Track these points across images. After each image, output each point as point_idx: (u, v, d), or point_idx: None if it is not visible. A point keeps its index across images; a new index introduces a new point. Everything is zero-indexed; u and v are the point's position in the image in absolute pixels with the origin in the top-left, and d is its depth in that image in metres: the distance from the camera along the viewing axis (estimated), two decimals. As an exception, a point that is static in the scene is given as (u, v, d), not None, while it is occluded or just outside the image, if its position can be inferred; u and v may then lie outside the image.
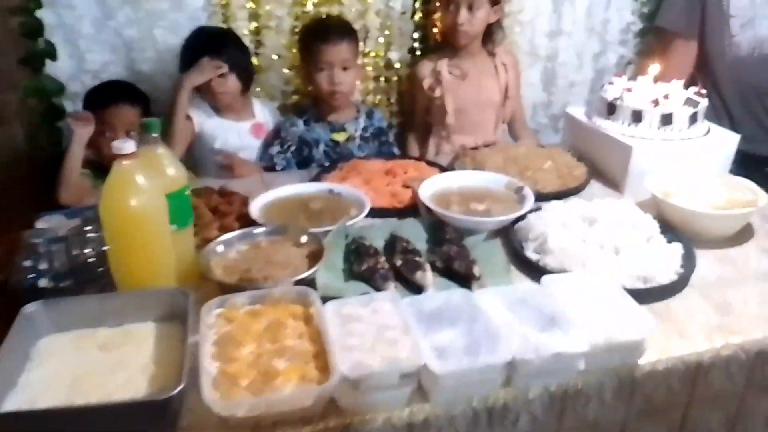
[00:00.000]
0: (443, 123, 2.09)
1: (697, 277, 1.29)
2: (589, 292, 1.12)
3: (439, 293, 1.13)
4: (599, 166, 1.76)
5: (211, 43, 1.85)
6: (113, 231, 1.04)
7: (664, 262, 1.29)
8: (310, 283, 1.14)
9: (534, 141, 2.16)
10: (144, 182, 1.03)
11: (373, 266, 1.23)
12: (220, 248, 1.25)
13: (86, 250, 1.11)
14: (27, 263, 1.09)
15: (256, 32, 2.04)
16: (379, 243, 1.34)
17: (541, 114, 2.41)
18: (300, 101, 2.14)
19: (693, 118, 1.67)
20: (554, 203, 1.45)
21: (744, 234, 1.47)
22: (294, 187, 1.55)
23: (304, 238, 1.27)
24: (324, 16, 2.03)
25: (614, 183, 1.71)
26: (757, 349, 1.14)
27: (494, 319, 1.03)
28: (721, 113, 2.14)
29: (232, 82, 1.88)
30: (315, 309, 1.04)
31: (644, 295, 1.20)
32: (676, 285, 1.25)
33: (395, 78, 2.22)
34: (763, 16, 2.05)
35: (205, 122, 1.93)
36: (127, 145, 1.00)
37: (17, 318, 0.98)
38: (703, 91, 1.73)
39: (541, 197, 1.53)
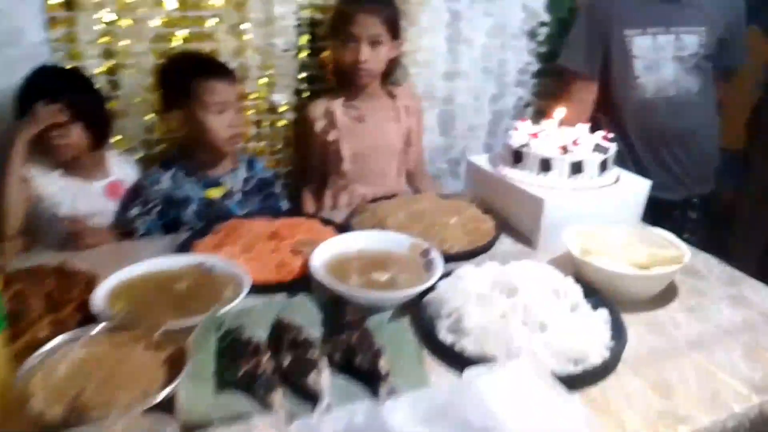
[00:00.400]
0: (339, 171, 1.88)
1: (628, 351, 1.14)
2: (518, 387, 0.92)
3: (338, 412, 0.88)
4: (508, 219, 1.61)
5: (47, 85, 1.53)
6: None
7: (593, 336, 1.12)
8: (168, 403, 0.87)
9: (434, 190, 1.99)
10: None
11: (252, 370, 0.96)
12: (44, 360, 0.93)
13: None
14: None
15: (111, 72, 1.74)
16: (261, 334, 1.07)
17: (440, 159, 2.26)
18: (165, 152, 1.84)
19: (603, 165, 1.56)
20: (466, 268, 1.26)
21: (668, 293, 1.35)
22: (153, 263, 1.25)
23: (161, 337, 0.99)
24: (194, 52, 1.76)
25: (525, 237, 1.56)
26: (710, 438, 0.99)
27: (409, 442, 0.80)
28: (627, 158, 2.08)
29: (77, 134, 1.57)
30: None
31: (577, 381, 1.03)
32: (608, 364, 1.09)
33: (281, 123, 1.98)
34: (665, 58, 2.02)
35: (47, 184, 1.60)
36: None
37: None
38: (611, 135, 1.63)
39: (449, 258, 1.35)
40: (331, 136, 1.84)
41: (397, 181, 1.97)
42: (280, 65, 1.87)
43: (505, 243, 1.55)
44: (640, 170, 1.96)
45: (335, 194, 1.92)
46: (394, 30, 1.81)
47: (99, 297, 1.11)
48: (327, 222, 1.56)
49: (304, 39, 1.93)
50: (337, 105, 1.84)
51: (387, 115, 1.92)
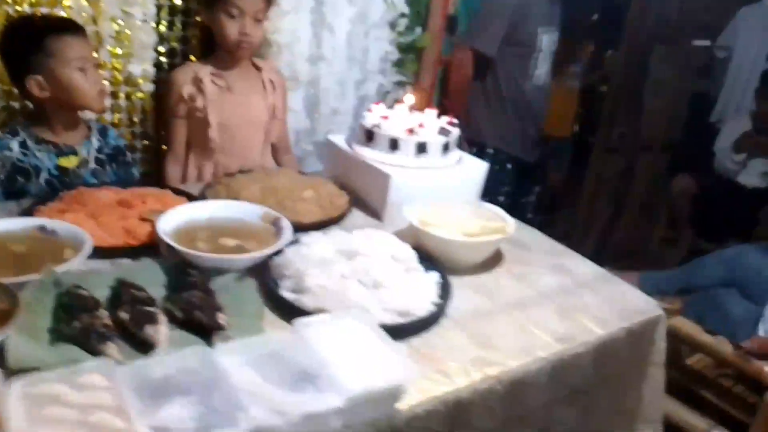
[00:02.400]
0: (204, 141, 1.87)
1: (454, 308, 1.27)
2: (346, 335, 1.01)
3: (170, 355, 0.93)
4: (360, 195, 1.70)
5: None
6: None
7: (421, 293, 1.24)
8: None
9: (296, 167, 2.05)
10: None
11: (88, 324, 0.98)
12: None
13: None
14: None
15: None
16: (103, 293, 1.10)
17: (305, 141, 2.31)
18: (11, 119, 1.76)
19: (446, 147, 1.69)
20: (313, 236, 1.34)
21: (495, 260, 1.50)
22: (-8, 225, 1.22)
23: (-9, 293, 0.98)
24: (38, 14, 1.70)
25: (375, 212, 1.66)
26: (512, 379, 1.14)
27: (236, 381, 0.86)
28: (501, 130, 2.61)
29: None
30: (-7, 391, 0.78)
31: (404, 331, 1.15)
32: (433, 317, 1.21)
33: (139, 95, 1.94)
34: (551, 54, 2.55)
35: None
36: None
37: None
38: (455, 121, 1.77)
39: (302, 228, 1.41)
40: (198, 103, 1.83)
41: (262, 155, 1.99)
42: (137, 36, 1.84)
43: (357, 216, 1.64)
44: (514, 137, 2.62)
45: (200, 165, 1.92)
46: (269, 7, 1.85)
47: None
48: (180, 192, 1.57)
49: (164, 11, 1.91)
50: (205, 73, 1.83)
51: (254, 87, 1.94)
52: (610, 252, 3.68)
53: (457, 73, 2.52)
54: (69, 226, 1.25)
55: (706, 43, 3.72)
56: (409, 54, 2.36)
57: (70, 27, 1.59)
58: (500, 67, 2.54)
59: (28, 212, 1.36)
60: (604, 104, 3.52)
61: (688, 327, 2.01)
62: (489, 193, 1.78)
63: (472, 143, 2.50)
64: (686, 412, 2.03)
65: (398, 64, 2.37)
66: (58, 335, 0.98)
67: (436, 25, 2.37)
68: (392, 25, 2.30)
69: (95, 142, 1.71)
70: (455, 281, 1.35)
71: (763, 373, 1.84)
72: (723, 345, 1.94)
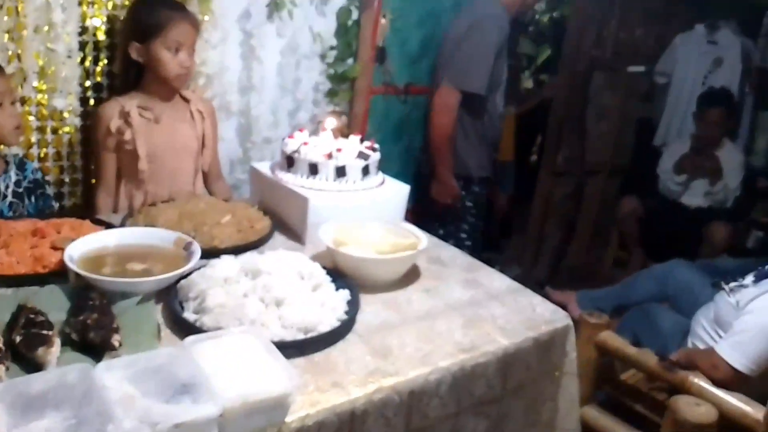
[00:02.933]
0: (134, 171, 1.90)
1: (361, 324, 1.30)
2: (232, 350, 1.03)
3: (52, 372, 0.94)
4: (283, 219, 1.73)
5: None
6: None
7: (329, 310, 1.27)
8: None
9: (228, 194, 2.08)
10: None
11: (-24, 346, 0.99)
12: None
13: None
14: None
15: None
16: (3, 317, 1.11)
17: (239, 169, 2.35)
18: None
19: (365, 170, 1.74)
20: (224, 258, 1.36)
21: (410, 277, 1.53)
22: None
23: None
24: None
25: (297, 235, 1.70)
26: (411, 389, 1.16)
27: (112, 395, 0.88)
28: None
29: None
30: None
31: (304, 346, 1.17)
32: (336, 333, 1.23)
33: (65, 129, 1.97)
34: None
35: None
36: None
37: None
38: (376, 146, 1.82)
39: (218, 253, 1.43)
40: (126, 136, 1.86)
41: (193, 183, 2.03)
42: (62, 72, 1.87)
43: (278, 240, 1.67)
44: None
45: (130, 195, 1.94)
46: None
47: None
48: (99, 222, 1.59)
49: (89, 47, 1.95)
50: (132, 105, 1.87)
51: (182, 117, 1.98)
52: (564, 274, 3.76)
53: (441, 113, 2.63)
54: (-28, 254, 1.26)
55: (641, 69, 3.86)
56: (341, 84, 2.43)
57: None
58: (479, 103, 2.67)
59: (-64, 243, 1.37)
60: (547, 129, 3.63)
61: (615, 341, 2.06)
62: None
63: (458, 177, 2.70)
64: (622, 428, 2.06)
65: (330, 94, 2.44)
66: (-55, 358, 0.98)
67: (366, 55, 2.45)
68: (322, 57, 2.38)
69: (13, 175, 1.72)
70: (368, 298, 1.39)
71: (686, 382, 1.88)
72: (648, 357, 1.98)
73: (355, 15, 2.39)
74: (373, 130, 2.57)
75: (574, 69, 3.49)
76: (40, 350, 1.01)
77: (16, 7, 1.78)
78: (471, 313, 1.41)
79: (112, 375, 0.92)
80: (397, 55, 2.69)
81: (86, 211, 1.97)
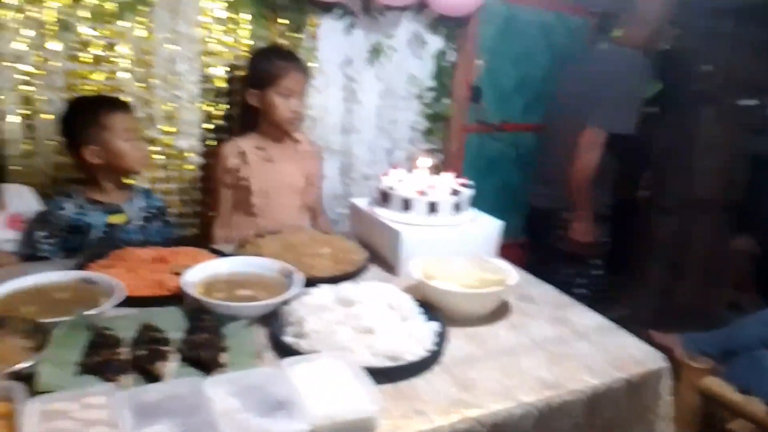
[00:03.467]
0: (247, 205, 2.09)
1: (447, 356, 1.34)
2: (326, 374, 1.12)
3: (166, 383, 1.07)
4: (378, 251, 1.83)
5: None
6: None
7: (416, 341, 1.33)
8: (29, 378, 1.04)
9: (328, 228, 2.21)
10: None
11: (107, 358, 1.14)
12: None
13: None
14: None
15: (28, 117, 1.94)
16: (129, 334, 1.26)
17: (339, 204, 2.49)
18: (67, 184, 2.03)
19: (457, 207, 1.80)
20: (321, 288, 1.46)
21: (499, 312, 1.57)
22: (38, 277, 1.43)
23: (30, 329, 1.16)
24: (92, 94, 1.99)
25: (391, 267, 1.78)
26: (494, 422, 1.19)
27: (217, 408, 0.98)
28: None
29: None
30: (18, 405, 0.94)
31: (391, 374, 1.22)
32: (422, 363, 1.28)
33: (187, 167, 2.19)
34: None
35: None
36: None
37: None
38: (469, 182, 1.88)
39: (316, 282, 1.54)
40: (242, 173, 2.06)
41: (299, 217, 2.19)
42: (184, 115, 2.10)
43: (373, 271, 1.76)
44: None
45: (243, 227, 2.12)
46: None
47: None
48: (214, 251, 1.75)
49: (210, 93, 2.18)
50: (248, 145, 2.07)
51: (291, 157, 2.16)
52: (672, 316, 3.59)
53: (587, 154, 2.58)
54: (107, 277, 1.44)
55: (754, 102, 3.67)
56: (436, 123, 2.52)
57: (118, 104, 1.86)
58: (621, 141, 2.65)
59: (79, 267, 1.57)
60: (653, 164, 3.53)
61: (720, 387, 1.97)
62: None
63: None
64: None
65: (426, 133, 2.53)
66: (82, 367, 1.14)
67: (461, 95, 2.54)
68: (418, 97, 2.48)
69: (139, 202, 1.95)
70: (455, 331, 1.43)
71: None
72: (757, 406, 1.88)
73: (450, 57, 2.49)
74: (467, 166, 2.63)
75: (682, 103, 3.39)
76: (158, 364, 1.15)
77: (147, 61, 2.02)
78: (556, 350, 1.41)
79: (217, 389, 1.03)
80: (491, 94, 2.75)
81: (204, 240, 2.17)
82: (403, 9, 2.32)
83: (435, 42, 2.44)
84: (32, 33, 1.87)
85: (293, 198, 2.17)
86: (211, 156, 2.16)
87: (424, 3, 2.30)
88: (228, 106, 2.23)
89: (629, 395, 1.37)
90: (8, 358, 1.07)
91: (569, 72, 2.70)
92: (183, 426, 0.94)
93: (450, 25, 2.43)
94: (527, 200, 2.84)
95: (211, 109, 2.20)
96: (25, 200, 1.91)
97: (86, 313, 1.26)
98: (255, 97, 2.05)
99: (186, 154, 2.16)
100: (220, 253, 1.74)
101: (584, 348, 1.43)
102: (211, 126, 2.23)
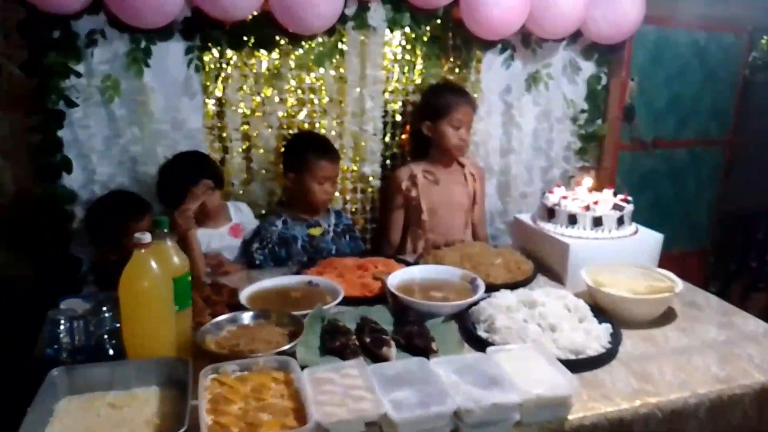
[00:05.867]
0: (418, 222, 2.37)
1: (623, 353, 1.51)
2: (526, 360, 1.34)
3: (399, 361, 1.34)
4: (544, 263, 2.02)
5: (192, 170, 2.07)
6: (128, 307, 1.25)
7: (593, 338, 1.51)
8: (290, 357, 1.35)
9: (488, 242, 2.44)
10: (156, 268, 1.26)
11: (344, 343, 1.44)
12: (212, 328, 1.45)
13: (101, 327, 1.32)
14: (52, 338, 1.29)
15: (247, 150, 2.36)
16: (351, 325, 1.55)
17: (498, 221, 2.71)
18: (278, 204, 2.42)
19: (620, 221, 1.95)
20: (503, 291, 1.69)
21: (667, 317, 1.71)
22: (277, 279, 1.79)
23: (285, 320, 1.49)
24: (315, 133, 2.36)
25: (557, 277, 1.96)
26: (672, 408, 1.34)
27: (443, 380, 1.23)
28: None
29: (215, 196, 2.13)
30: (294, 374, 1.24)
31: (575, 366, 1.41)
32: (603, 357, 1.46)
33: (369, 189, 2.52)
34: None
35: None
36: (145, 237, 1.24)
37: (44, 381, 1.17)
38: (629, 198, 2.03)
39: (493, 288, 1.77)
40: (413, 194, 2.35)
41: (464, 233, 2.44)
42: (369, 146, 2.44)
43: (541, 280, 1.96)
44: None
45: (414, 241, 2.41)
46: None
47: (243, 296, 1.64)
48: (399, 260, 2.04)
49: (389, 126, 2.50)
50: (419, 170, 2.37)
51: (457, 179, 2.43)
52: None
53: None
54: (328, 281, 1.77)
55: None
56: (590, 142, 2.67)
57: (328, 152, 2.21)
58: None
59: (297, 273, 1.92)
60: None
61: None
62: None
63: None
64: None
65: (580, 152, 2.69)
66: (324, 349, 1.45)
67: (614, 115, 2.67)
68: (573, 119, 2.65)
69: (332, 219, 2.30)
70: (625, 333, 1.59)
71: None
72: None
73: (603, 80, 2.64)
74: (620, 183, 2.76)
75: None
76: (384, 349, 1.43)
77: (340, 100, 2.38)
78: (726, 351, 1.53)
79: (440, 367, 1.29)
80: (644, 113, 2.86)
81: (375, 252, 2.47)
82: (559, 40, 2.52)
83: (588, 67, 2.61)
84: (252, 82, 2.28)
85: (459, 215, 2.42)
86: (387, 180, 2.47)
87: (579, 33, 2.48)
88: (403, 136, 2.53)
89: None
90: (273, 341, 1.40)
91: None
92: (421, 392, 1.20)
93: (603, 51, 2.58)
94: (680, 213, 2.91)
95: (388, 139, 2.52)
96: (243, 213, 2.32)
97: (325, 307, 1.58)
98: (428, 127, 2.33)
99: (369, 179, 2.49)
100: (405, 262, 2.03)
101: (752, 349, 1.54)
102: (387, 153, 2.54)
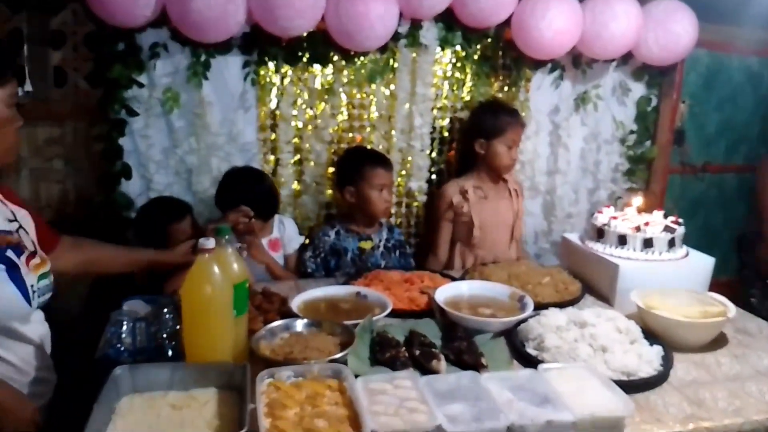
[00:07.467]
0: (468, 237, 2.38)
1: (674, 377, 1.49)
2: (579, 379, 1.33)
3: (450, 375, 1.35)
4: (591, 283, 2.01)
5: (236, 187, 2.14)
6: (190, 311, 1.29)
7: (645, 361, 1.50)
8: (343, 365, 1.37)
9: (526, 258, 2.44)
10: (218, 273, 1.30)
11: (394, 355, 1.45)
12: (267, 334, 1.49)
13: (161, 329, 1.36)
14: (114, 338, 1.34)
15: (299, 163, 2.41)
16: (399, 337, 1.57)
17: (543, 240, 2.70)
18: (331, 216, 2.47)
19: (671, 243, 1.93)
20: (552, 310, 1.68)
21: (719, 342, 1.68)
22: (327, 289, 1.82)
23: (337, 330, 1.52)
24: (364, 147, 2.41)
25: (605, 298, 1.95)
26: (725, 434, 1.33)
27: (496, 396, 1.24)
28: None
29: (254, 223, 2.11)
30: (348, 382, 1.26)
31: (626, 387, 1.38)
32: (654, 380, 1.45)
33: (415, 204, 2.55)
34: None
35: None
36: (209, 243, 1.28)
37: (108, 380, 1.21)
38: (680, 220, 2.01)
39: (540, 306, 1.76)
40: (464, 209, 2.37)
41: (509, 248, 2.44)
42: (416, 161, 2.46)
43: (588, 300, 1.95)
44: None
45: (463, 256, 2.42)
46: None
47: (295, 305, 1.67)
48: (445, 275, 2.06)
49: (436, 142, 2.52)
50: (469, 185, 2.38)
51: (503, 195, 2.44)
52: None
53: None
54: (376, 293, 1.79)
55: None
56: (638, 164, 2.66)
57: (382, 161, 2.26)
58: None
59: (346, 283, 1.95)
60: None
61: None
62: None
63: None
64: None
65: (628, 173, 2.67)
66: (374, 360, 1.47)
67: (664, 138, 2.65)
68: (622, 141, 2.64)
69: (384, 234, 2.32)
70: (677, 356, 1.57)
71: None
72: None
73: (653, 102, 2.62)
74: (670, 206, 2.72)
75: None
76: (434, 362, 1.44)
77: (389, 117, 2.42)
78: (782, 380, 1.51)
79: (492, 383, 1.29)
80: (695, 137, 2.83)
81: (420, 267, 2.48)
82: (609, 61, 2.52)
83: (638, 88, 2.60)
84: (306, 96, 2.34)
85: (504, 231, 2.43)
86: (435, 195, 2.49)
87: (630, 54, 2.47)
88: (450, 153, 2.56)
89: None
90: (326, 350, 1.43)
91: None
92: (474, 408, 1.20)
93: (653, 73, 2.57)
94: (729, 240, 2.87)
95: (435, 155, 2.54)
96: (286, 228, 2.35)
97: (374, 318, 1.60)
98: (481, 145, 2.35)
99: (415, 194, 2.52)
100: (451, 278, 2.04)
101: (808, 379, 1.51)
102: (433, 169, 2.56)
